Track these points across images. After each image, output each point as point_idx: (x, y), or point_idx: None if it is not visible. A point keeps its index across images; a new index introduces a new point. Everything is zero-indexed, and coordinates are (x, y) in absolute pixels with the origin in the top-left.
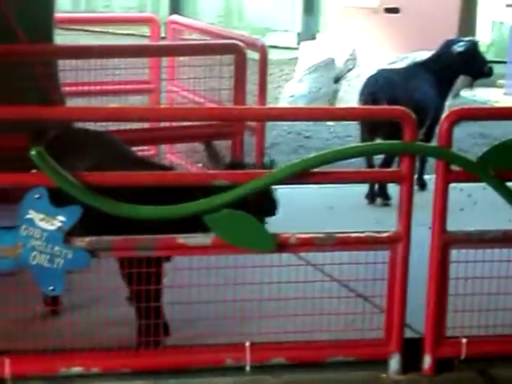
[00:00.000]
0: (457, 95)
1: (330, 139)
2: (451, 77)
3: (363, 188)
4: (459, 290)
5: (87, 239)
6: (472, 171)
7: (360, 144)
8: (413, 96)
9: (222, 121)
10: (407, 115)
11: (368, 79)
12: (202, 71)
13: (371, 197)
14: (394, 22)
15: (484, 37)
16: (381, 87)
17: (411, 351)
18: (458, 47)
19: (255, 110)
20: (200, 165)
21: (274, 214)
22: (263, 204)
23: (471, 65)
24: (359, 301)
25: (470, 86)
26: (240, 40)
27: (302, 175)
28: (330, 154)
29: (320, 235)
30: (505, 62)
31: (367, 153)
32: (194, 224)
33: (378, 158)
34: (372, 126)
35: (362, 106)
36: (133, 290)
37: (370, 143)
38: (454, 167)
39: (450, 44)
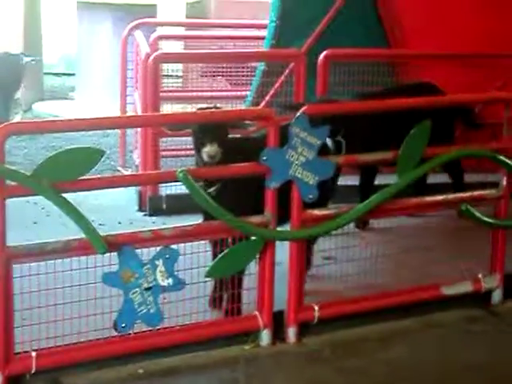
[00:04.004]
0: (29, 109)
1: None
2: (11, 90)
3: None
4: (25, 303)
5: None
6: (26, 185)
7: None
8: None
9: None
10: None
11: None
12: None
13: None
14: None
15: (54, 50)
16: None
17: None
18: None
19: None
20: None
21: None
22: None
23: None
24: None
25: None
26: None
27: None
28: None
29: None
30: (74, 75)
31: None
32: None
33: None
34: None
35: None
36: None
37: None
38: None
39: (5, 58)
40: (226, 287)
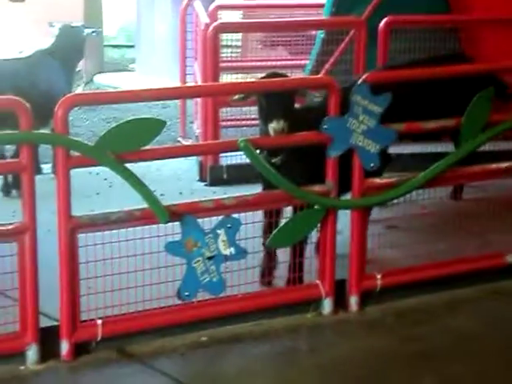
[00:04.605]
0: (90, 81)
1: None
2: (74, 62)
3: None
4: (91, 272)
5: None
6: (90, 156)
7: None
8: (38, 85)
9: None
10: (20, 105)
11: None
12: None
13: (6, 189)
14: (19, 10)
15: (113, 23)
16: (2, 77)
17: (50, 339)
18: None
19: None
20: None
21: None
22: None
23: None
24: None
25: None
26: None
27: None
28: None
29: None
30: (133, 47)
31: None
32: None
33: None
34: None
35: None
36: None
37: None
38: (74, 153)
39: (67, 30)
40: (274, 259)
